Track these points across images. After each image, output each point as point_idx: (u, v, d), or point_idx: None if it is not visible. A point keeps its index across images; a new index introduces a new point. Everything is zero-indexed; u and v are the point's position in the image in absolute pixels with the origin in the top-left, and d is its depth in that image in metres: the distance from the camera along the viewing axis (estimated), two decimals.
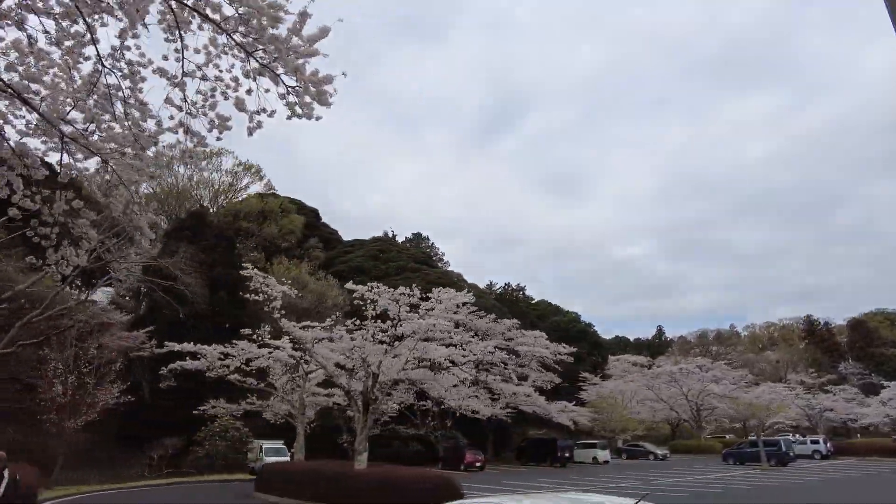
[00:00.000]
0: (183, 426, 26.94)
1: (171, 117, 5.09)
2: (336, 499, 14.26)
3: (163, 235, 37.93)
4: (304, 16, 4.35)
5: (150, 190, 42.02)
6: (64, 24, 4.60)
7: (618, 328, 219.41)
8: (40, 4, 4.51)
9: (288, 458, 28.63)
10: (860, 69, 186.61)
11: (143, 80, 4.95)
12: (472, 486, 23.94)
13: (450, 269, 65.88)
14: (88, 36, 4.64)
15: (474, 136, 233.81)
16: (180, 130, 5.07)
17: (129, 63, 4.84)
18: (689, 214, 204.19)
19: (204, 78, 4.81)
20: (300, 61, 4.50)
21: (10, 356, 20.76)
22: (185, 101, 4.88)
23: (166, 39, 4.65)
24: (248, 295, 17.39)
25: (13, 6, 4.56)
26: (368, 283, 17.75)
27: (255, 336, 18.83)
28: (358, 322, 17.99)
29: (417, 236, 65.05)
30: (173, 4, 4.49)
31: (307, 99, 4.67)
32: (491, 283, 71.35)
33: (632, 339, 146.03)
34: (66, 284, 25.54)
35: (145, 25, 4.53)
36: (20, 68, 4.73)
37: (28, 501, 11.35)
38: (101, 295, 41.60)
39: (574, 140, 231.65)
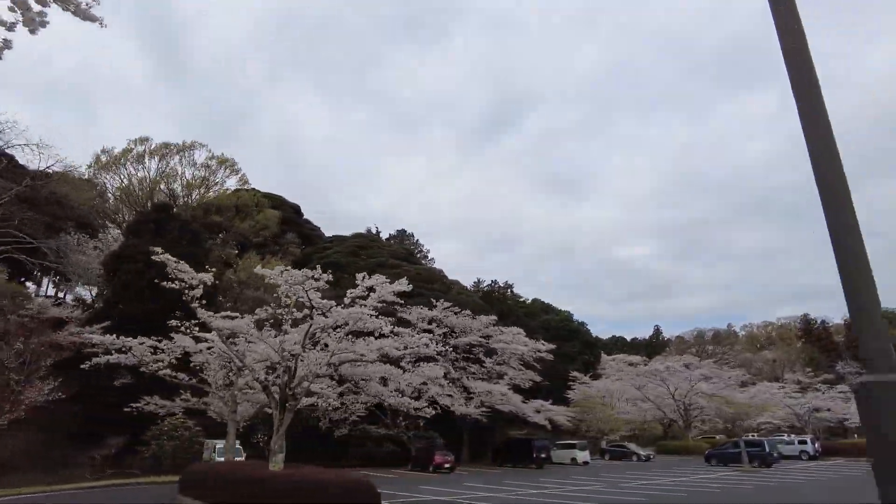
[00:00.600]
0: (131, 425, 25.72)
1: None
2: (247, 501, 13.07)
3: (125, 229, 36.84)
4: None
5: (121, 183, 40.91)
6: None
7: (618, 328, 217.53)
8: None
9: (242, 459, 27.47)
10: (860, 68, 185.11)
11: None
12: (427, 489, 22.69)
13: (435, 265, 64.66)
14: None
15: (476, 136, 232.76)
16: None
17: None
18: (690, 214, 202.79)
19: None
20: None
21: None
22: None
23: None
24: (164, 283, 16.17)
25: None
26: (279, 267, 16.42)
27: (182, 328, 17.60)
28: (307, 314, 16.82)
29: (402, 233, 63.84)
30: None
31: None
32: (478, 280, 70.10)
33: (629, 339, 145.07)
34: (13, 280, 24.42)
35: None
36: None
37: None
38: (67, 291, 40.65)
39: (575, 140, 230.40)
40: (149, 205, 43.12)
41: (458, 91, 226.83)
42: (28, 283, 37.13)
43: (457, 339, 38.86)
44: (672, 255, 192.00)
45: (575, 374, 65.25)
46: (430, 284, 47.31)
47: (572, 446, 39.60)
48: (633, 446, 43.79)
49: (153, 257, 16.03)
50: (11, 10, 4.03)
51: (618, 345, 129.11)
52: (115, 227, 41.58)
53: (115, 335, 19.32)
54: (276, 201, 58.99)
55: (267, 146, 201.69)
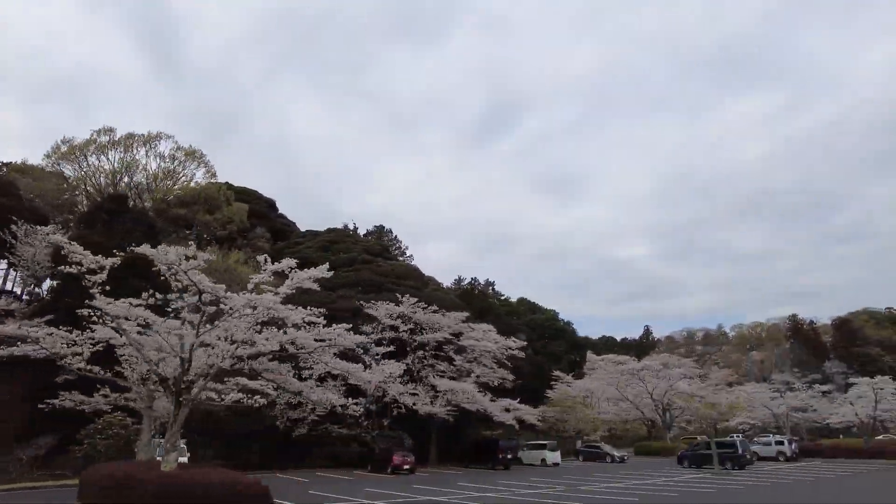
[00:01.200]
0: (72, 423, 24.41)
1: None
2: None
3: (77, 219, 35.52)
4: None
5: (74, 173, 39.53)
6: None
7: (613, 329, 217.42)
8: None
9: (186, 459, 26.21)
10: (857, 70, 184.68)
11: None
12: (370, 491, 21.35)
13: (414, 262, 63.46)
14: None
15: (472, 137, 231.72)
16: None
17: None
18: (685, 215, 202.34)
19: None
20: None
21: None
22: None
23: None
24: (62, 267, 14.90)
25: None
26: (160, 246, 15.08)
27: (94, 317, 16.27)
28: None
29: (380, 229, 62.64)
30: None
31: None
32: (459, 278, 69.11)
33: (619, 340, 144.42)
34: None
35: None
36: None
37: None
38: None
39: (571, 141, 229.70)
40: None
41: (454, 91, 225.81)
42: None
43: (423, 336, 37.63)
44: (667, 256, 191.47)
45: (558, 373, 64.16)
46: (404, 280, 46.09)
47: (542, 447, 38.42)
48: (607, 447, 42.61)
49: (60, 245, 14.65)
50: None
51: (607, 345, 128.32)
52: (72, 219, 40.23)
53: (58, 328, 17.99)
54: (250, 196, 57.75)
55: (262, 145, 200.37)
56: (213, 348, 14.11)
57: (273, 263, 16.50)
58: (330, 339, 16.69)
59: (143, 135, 45.11)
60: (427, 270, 68.12)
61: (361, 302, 38.44)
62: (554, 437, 52.49)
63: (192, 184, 46.31)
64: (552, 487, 23.14)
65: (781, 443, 39.56)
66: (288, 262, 15.95)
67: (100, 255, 14.76)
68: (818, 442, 46.12)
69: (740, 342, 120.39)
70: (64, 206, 41.49)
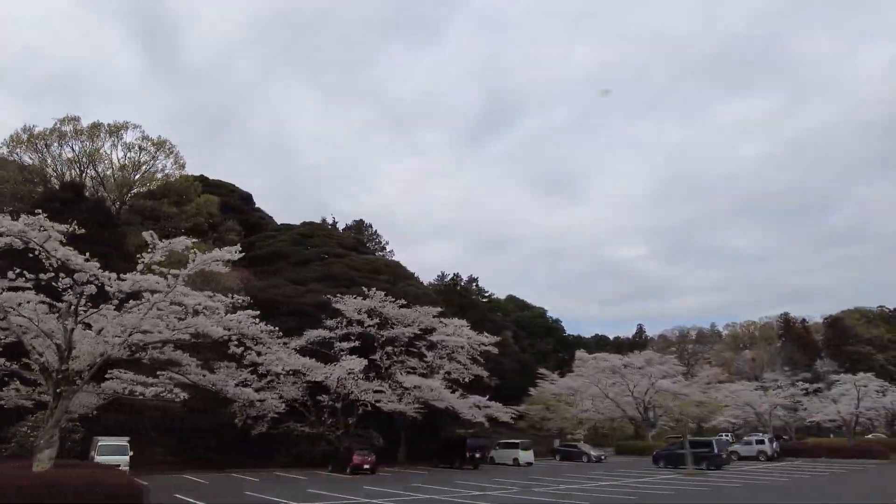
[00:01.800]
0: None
1: None
2: None
3: (28, 208, 34.20)
4: None
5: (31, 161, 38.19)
6: None
7: (609, 329, 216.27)
8: None
9: (126, 458, 24.90)
10: (853, 71, 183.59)
11: None
12: (313, 493, 20.03)
13: (394, 258, 62.20)
14: None
15: (469, 137, 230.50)
16: None
17: None
18: (682, 216, 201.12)
19: None
20: None
21: None
22: None
23: None
24: None
25: None
26: (25, 218, 13.76)
27: None
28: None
29: (360, 223, 61.37)
30: None
31: None
32: (442, 274, 67.87)
33: (612, 338, 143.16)
34: None
35: None
36: None
37: None
38: None
39: (568, 141, 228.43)
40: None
41: (451, 91, 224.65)
42: None
43: (391, 331, 36.33)
44: (663, 256, 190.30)
45: (543, 371, 62.92)
46: (377, 275, 44.82)
47: (514, 446, 37.13)
48: (584, 446, 41.34)
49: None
50: None
51: (600, 344, 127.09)
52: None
53: None
54: (225, 189, 56.50)
55: (258, 144, 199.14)
56: (101, 335, 12.82)
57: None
58: (236, 328, 15.25)
59: (109, 124, 43.83)
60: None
61: (329, 296, 37.10)
62: (537, 436, 51.41)
63: (160, 175, 44.98)
64: (507, 489, 21.90)
65: (763, 442, 38.31)
66: (183, 242, 14.52)
67: None
68: (801, 441, 44.93)
69: (733, 341, 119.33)
70: (24, 196, 40.16)
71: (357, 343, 34.61)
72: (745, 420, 48.35)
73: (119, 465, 24.31)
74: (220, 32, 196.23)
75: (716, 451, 31.10)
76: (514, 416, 37.75)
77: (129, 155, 44.28)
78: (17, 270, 13.39)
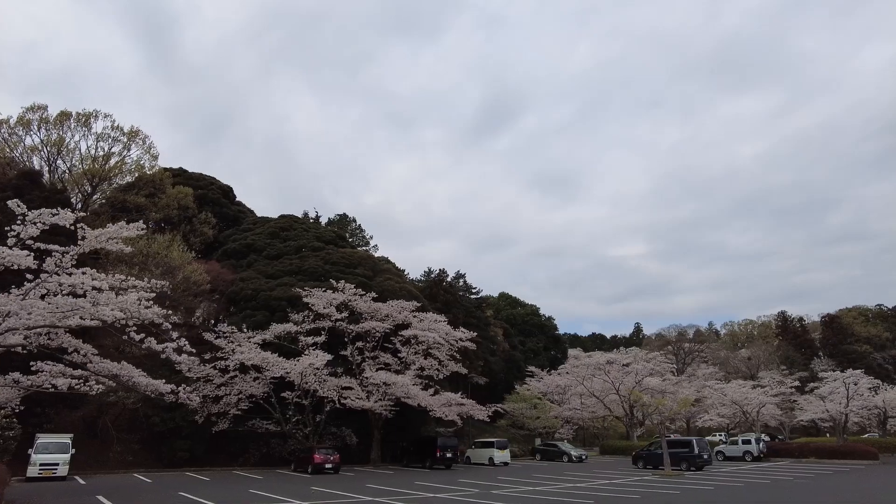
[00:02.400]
0: None
1: None
2: None
3: None
4: None
5: None
6: None
7: (607, 328, 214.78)
8: None
9: (67, 457, 23.69)
10: (853, 70, 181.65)
11: None
12: (255, 493, 18.65)
13: (379, 254, 60.90)
14: None
15: (468, 135, 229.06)
16: None
17: None
18: (681, 214, 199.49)
19: None
20: None
21: None
22: None
23: None
24: None
25: None
26: None
27: None
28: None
29: (343, 217, 60.02)
30: None
31: None
32: (429, 269, 66.44)
33: (609, 337, 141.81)
34: None
35: None
36: None
37: None
38: None
39: (568, 139, 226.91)
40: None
41: (451, 89, 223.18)
42: None
43: (361, 326, 35.01)
44: (663, 255, 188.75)
45: (532, 368, 61.57)
46: (353, 269, 43.45)
47: (490, 445, 35.79)
48: (566, 446, 39.95)
49: None
50: None
51: (597, 342, 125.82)
52: None
53: None
54: (205, 182, 55.24)
55: (258, 142, 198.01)
56: None
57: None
58: (130, 314, 13.93)
59: (78, 112, 42.62)
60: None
61: (299, 290, 35.80)
62: (518, 435, 50.06)
63: (130, 165, 43.73)
64: (464, 491, 20.58)
65: (749, 442, 36.87)
66: (65, 216, 13.15)
67: None
68: (792, 441, 43.47)
69: (731, 340, 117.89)
70: None
71: (324, 338, 33.31)
72: (740, 420, 46.96)
73: (58, 464, 23.20)
74: (219, 31, 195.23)
75: (696, 451, 29.73)
76: (489, 414, 36.35)
77: (99, 144, 43.08)
78: None
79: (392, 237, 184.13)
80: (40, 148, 39.32)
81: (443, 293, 58.34)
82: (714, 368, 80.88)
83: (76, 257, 12.52)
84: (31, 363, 16.71)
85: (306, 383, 31.42)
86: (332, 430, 35.77)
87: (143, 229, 14.32)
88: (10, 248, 12.25)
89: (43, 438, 23.67)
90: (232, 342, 31.89)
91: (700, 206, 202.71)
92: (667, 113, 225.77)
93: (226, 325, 33.48)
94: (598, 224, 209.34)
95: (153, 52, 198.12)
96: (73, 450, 24.08)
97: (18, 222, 12.81)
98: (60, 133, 41.10)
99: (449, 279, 65.07)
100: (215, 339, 31.71)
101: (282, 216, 51.06)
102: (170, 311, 15.42)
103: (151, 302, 14.25)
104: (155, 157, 45.75)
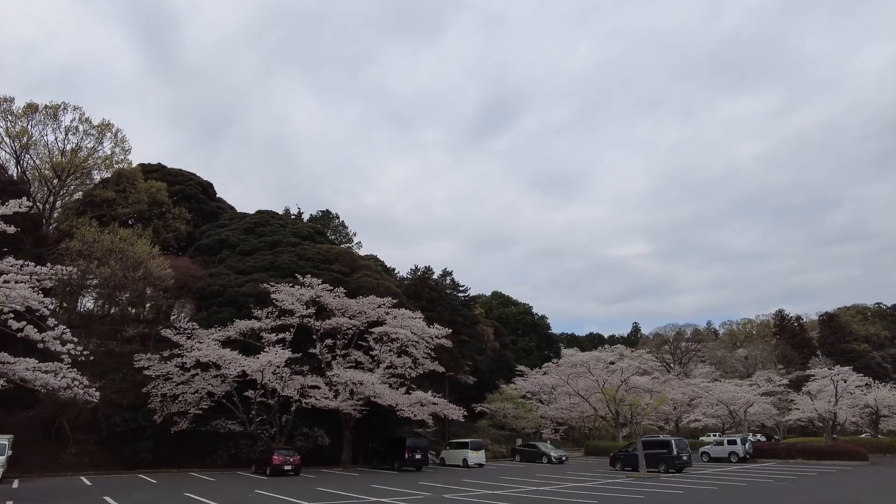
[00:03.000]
0: None
1: None
2: None
3: None
4: None
5: None
6: None
7: (608, 328, 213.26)
8: None
9: (3, 458, 22.51)
10: (853, 70, 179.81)
11: None
12: (191, 498, 17.43)
13: (362, 251, 59.73)
14: None
15: (468, 135, 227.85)
16: None
17: None
18: (681, 214, 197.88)
19: None
20: None
21: None
22: None
23: None
24: None
25: None
26: None
27: None
28: None
29: (326, 214, 58.86)
30: None
31: None
32: (415, 267, 65.20)
33: (607, 337, 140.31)
34: None
35: None
36: None
37: None
38: None
39: (568, 139, 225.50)
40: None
41: (451, 89, 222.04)
42: None
43: (329, 322, 33.76)
44: (663, 255, 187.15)
45: (522, 367, 60.32)
46: (328, 265, 42.25)
47: (465, 446, 34.50)
48: (546, 447, 38.66)
49: None
50: None
51: (594, 342, 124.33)
52: None
53: None
54: (184, 178, 54.15)
55: (258, 142, 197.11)
56: None
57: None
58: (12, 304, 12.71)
59: (46, 105, 41.54)
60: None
61: (266, 286, 34.60)
62: (499, 435, 48.78)
63: (100, 159, 42.62)
64: (421, 494, 19.33)
65: (734, 442, 35.51)
66: None
67: None
68: (784, 441, 42.05)
69: (730, 339, 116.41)
70: None
71: (290, 335, 32.10)
72: (735, 419, 45.61)
73: None
74: (219, 31, 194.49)
75: (674, 452, 28.44)
76: (465, 414, 35.07)
77: (68, 137, 41.96)
78: None
79: (392, 237, 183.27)
80: (6, 141, 38.19)
81: (427, 291, 57.09)
82: (710, 368, 79.49)
83: None
84: None
85: (268, 381, 30.20)
86: (303, 431, 34.57)
87: (28, 206, 13.11)
88: None
89: None
90: (192, 339, 30.75)
91: (700, 206, 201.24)
92: (667, 113, 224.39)
93: (187, 321, 32.34)
94: (598, 224, 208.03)
95: (153, 52, 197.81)
96: (10, 451, 22.91)
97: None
98: (24, 125, 39.96)
99: (435, 277, 63.75)
100: (174, 335, 30.54)
101: (258, 212, 49.93)
102: (51, 299, 14.17)
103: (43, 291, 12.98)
104: (127, 152, 44.54)
